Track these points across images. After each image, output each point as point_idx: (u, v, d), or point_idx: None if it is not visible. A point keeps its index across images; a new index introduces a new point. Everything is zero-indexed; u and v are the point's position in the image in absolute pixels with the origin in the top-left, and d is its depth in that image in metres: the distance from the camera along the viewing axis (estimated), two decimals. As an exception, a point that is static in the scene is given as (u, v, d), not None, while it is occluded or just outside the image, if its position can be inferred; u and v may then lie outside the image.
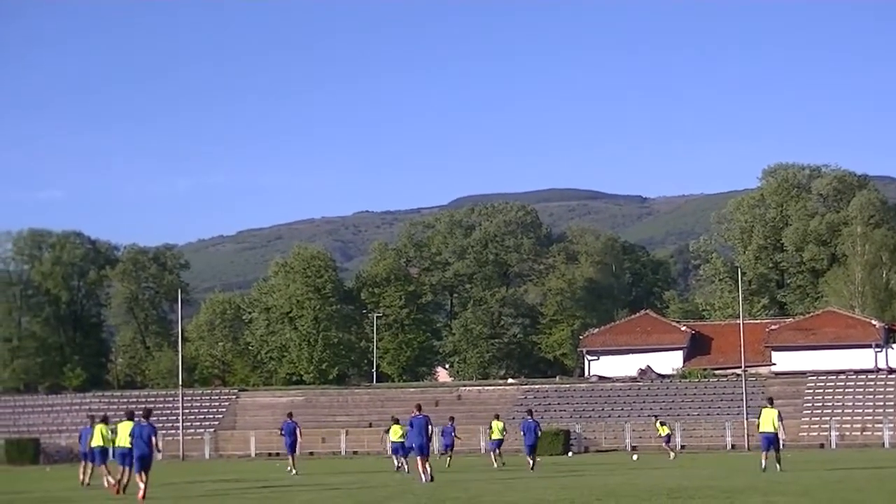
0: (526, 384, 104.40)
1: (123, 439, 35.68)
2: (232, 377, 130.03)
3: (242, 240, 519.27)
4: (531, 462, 49.07)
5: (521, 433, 51.17)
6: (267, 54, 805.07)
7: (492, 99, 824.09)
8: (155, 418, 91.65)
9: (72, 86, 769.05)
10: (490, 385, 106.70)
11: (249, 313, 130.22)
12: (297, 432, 53.09)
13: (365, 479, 43.65)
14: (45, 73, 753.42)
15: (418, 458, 40.17)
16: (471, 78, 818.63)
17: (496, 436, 56.85)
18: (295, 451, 52.83)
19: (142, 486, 33.45)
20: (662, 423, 71.00)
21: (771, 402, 43.36)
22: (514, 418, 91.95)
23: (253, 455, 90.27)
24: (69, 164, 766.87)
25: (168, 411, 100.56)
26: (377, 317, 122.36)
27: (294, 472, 50.21)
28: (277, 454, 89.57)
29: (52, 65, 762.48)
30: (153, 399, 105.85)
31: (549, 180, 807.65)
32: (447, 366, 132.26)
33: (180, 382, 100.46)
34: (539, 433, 51.68)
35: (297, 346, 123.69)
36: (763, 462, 41.17)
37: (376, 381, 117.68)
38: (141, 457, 33.68)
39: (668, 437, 70.26)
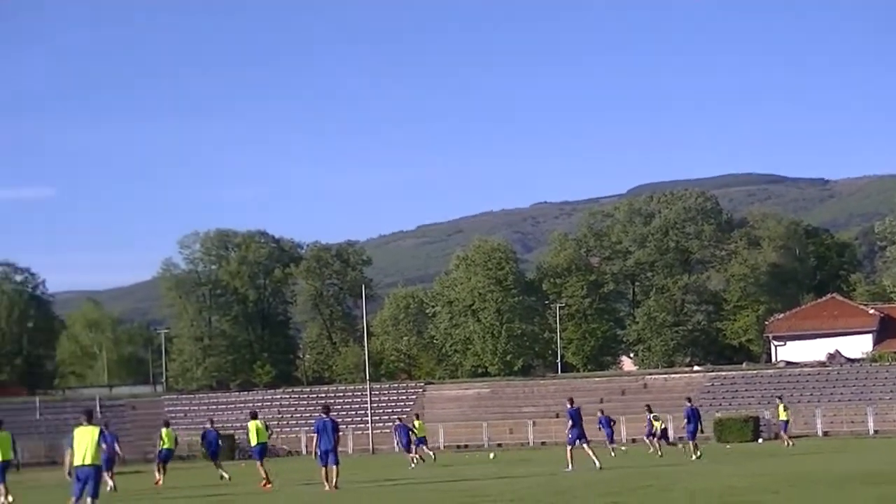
0: (712, 371, 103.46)
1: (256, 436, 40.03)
2: (418, 370, 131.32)
3: (422, 234, 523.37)
4: (693, 449, 48.89)
5: (685, 420, 50.89)
6: (429, 47, 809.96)
7: (667, 85, 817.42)
8: (343, 412, 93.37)
9: (256, 88, 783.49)
10: (676, 373, 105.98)
11: (432, 307, 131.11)
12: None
13: (555, 468, 43.92)
14: (230, 74, 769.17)
15: (585, 445, 42.37)
16: (645, 65, 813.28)
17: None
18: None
19: (332, 479, 34.65)
20: (656, 418, 63.12)
21: None
22: (701, 406, 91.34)
23: (441, 447, 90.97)
24: (253, 164, 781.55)
25: (356, 406, 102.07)
26: (559, 307, 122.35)
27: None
28: (466, 446, 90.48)
29: (236, 66, 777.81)
30: (341, 394, 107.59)
31: (728, 165, 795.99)
32: (632, 354, 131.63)
33: (367, 377, 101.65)
34: (700, 420, 51.51)
35: (481, 339, 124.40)
36: None
37: (561, 372, 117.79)
38: (326, 451, 34.83)
39: (665, 431, 63.32)
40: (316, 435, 35.49)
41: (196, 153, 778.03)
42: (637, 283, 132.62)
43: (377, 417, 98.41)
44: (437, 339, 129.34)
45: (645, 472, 36.92)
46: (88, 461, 22.60)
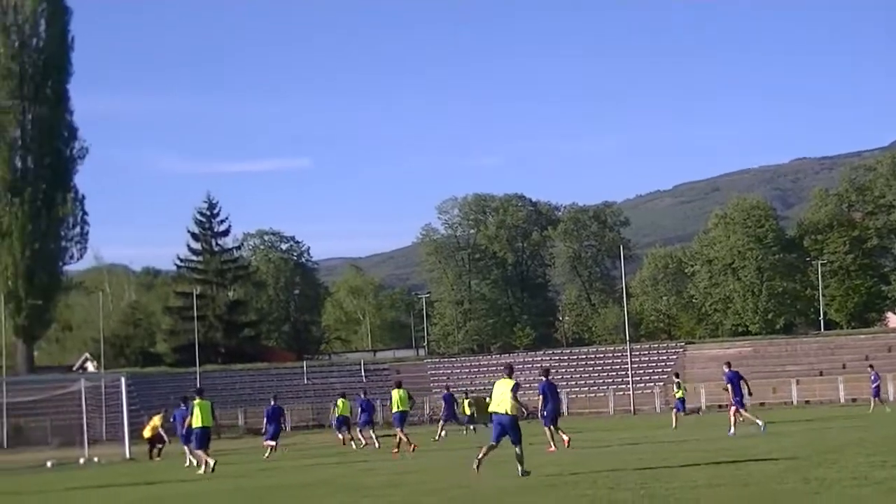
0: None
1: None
2: (678, 330, 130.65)
3: (680, 193, 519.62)
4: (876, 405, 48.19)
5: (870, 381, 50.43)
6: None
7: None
8: (604, 373, 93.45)
9: (508, 55, 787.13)
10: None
11: (691, 266, 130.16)
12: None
13: (820, 426, 43.34)
14: (480, 42, 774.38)
15: (742, 410, 41.60)
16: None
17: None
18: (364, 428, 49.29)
19: (565, 437, 35.40)
20: (679, 386, 57.83)
21: None
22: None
23: (703, 407, 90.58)
24: (509, 128, 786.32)
25: (617, 366, 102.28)
26: (821, 264, 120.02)
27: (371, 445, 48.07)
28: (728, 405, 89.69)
29: (485, 32, 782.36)
30: (601, 355, 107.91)
31: None
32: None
33: (627, 338, 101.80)
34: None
35: (742, 297, 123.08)
36: None
37: (824, 329, 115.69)
38: (550, 413, 36.09)
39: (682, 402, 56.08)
40: (541, 397, 36.29)
41: (453, 119, 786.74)
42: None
43: (637, 378, 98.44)
44: (696, 299, 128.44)
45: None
46: (502, 410, 24.62)
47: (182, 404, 42.08)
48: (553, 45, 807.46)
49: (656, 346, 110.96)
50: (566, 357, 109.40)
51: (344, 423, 51.53)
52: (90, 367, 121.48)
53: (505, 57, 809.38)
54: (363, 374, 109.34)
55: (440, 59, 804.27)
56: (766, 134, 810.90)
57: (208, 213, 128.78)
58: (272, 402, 47.83)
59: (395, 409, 43.54)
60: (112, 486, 33.14)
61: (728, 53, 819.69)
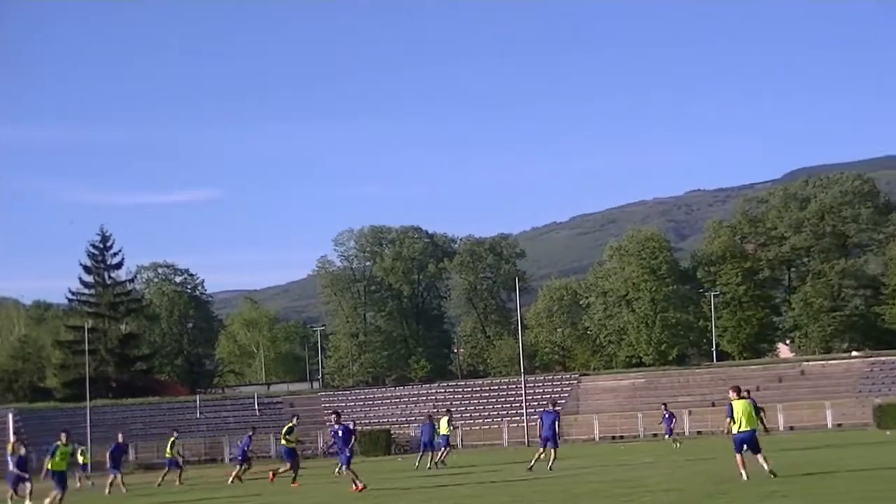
0: (871, 356, 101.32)
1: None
2: (572, 362, 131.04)
3: (576, 225, 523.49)
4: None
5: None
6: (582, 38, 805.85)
7: (821, 66, 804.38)
8: (498, 405, 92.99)
9: (407, 88, 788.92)
10: (834, 359, 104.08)
11: (587, 298, 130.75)
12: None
13: (706, 458, 43.45)
14: (381, 76, 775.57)
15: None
16: (798, 47, 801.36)
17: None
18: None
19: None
20: (450, 421, 55.67)
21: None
22: (860, 392, 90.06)
23: (597, 439, 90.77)
24: (405, 160, 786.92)
25: (511, 398, 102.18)
26: (714, 295, 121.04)
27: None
28: (622, 437, 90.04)
29: (384, 68, 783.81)
30: (496, 387, 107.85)
31: (886, 147, 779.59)
32: (788, 341, 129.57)
33: (521, 370, 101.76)
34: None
35: (636, 329, 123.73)
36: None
37: (717, 360, 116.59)
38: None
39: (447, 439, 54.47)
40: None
41: (349, 152, 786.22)
42: (793, 269, 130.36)
43: (532, 410, 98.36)
44: (591, 330, 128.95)
45: (804, 460, 36.46)
46: (750, 426, 28.20)
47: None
48: (446, 78, 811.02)
49: (551, 377, 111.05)
50: (461, 389, 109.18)
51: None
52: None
53: (398, 91, 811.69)
54: (256, 407, 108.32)
55: (337, 90, 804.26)
56: (662, 166, 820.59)
57: (101, 245, 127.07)
58: (119, 439, 48.66)
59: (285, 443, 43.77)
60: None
61: (621, 86, 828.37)
